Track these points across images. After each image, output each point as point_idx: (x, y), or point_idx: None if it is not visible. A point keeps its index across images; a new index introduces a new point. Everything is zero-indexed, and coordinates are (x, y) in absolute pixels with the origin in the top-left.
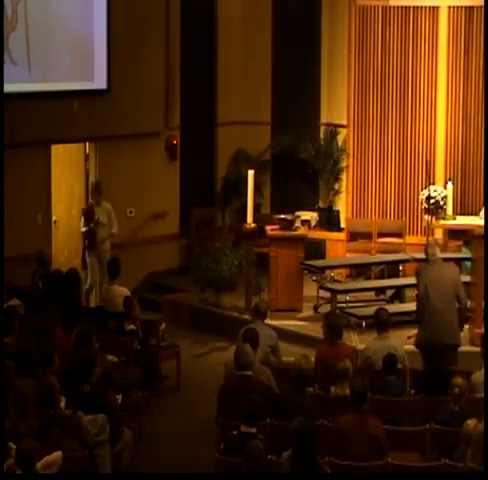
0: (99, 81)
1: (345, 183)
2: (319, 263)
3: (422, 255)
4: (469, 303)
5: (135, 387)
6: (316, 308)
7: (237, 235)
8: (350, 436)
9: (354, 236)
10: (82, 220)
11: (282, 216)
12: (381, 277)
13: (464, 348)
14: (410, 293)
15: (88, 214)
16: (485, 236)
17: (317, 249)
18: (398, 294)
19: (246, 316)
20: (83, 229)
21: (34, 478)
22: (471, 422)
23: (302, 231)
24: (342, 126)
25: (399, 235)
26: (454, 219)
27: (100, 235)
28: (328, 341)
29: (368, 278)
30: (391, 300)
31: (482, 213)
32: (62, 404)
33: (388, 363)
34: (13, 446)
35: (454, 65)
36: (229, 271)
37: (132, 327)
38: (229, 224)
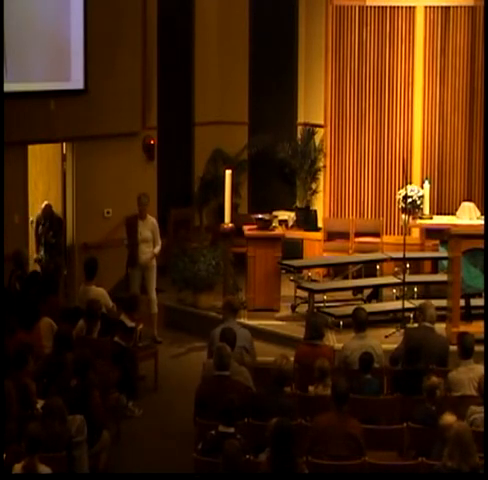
0: (76, 81)
1: (322, 183)
2: (296, 263)
3: (400, 254)
4: (446, 302)
5: (113, 388)
6: (294, 308)
7: (215, 235)
8: (329, 436)
9: (331, 236)
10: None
11: (259, 216)
12: (358, 276)
13: None
14: (387, 292)
15: (130, 228)
16: (485, 236)
17: (294, 249)
18: (375, 293)
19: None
20: (125, 243)
21: (33, 478)
22: (447, 418)
23: (279, 231)
24: (319, 126)
25: (376, 235)
26: (431, 218)
27: (142, 251)
28: (308, 341)
29: (345, 278)
30: (368, 299)
31: (459, 212)
32: (38, 406)
33: (365, 361)
34: None
35: (430, 65)
36: (206, 271)
37: (133, 324)
38: (207, 224)
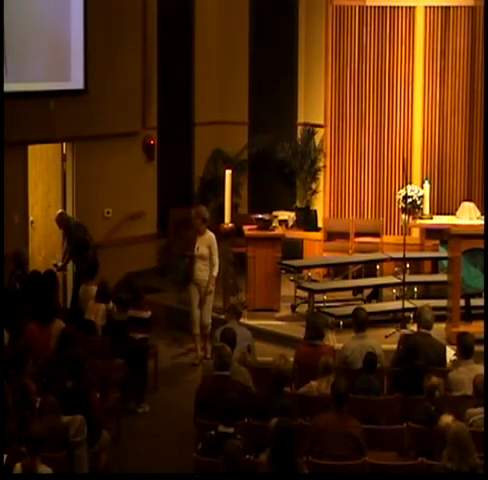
0: (76, 81)
1: (322, 183)
2: (296, 263)
3: (400, 254)
4: (446, 302)
5: (113, 387)
6: (294, 308)
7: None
8: (329, 436)
9: (331, 236)
10: None
11: (259, 216)
12: (358, 276)
13: None
14: (387, 292)
15: (188, 242)
16: (485, 236)
17: (294, 249)
18: (375, 293)
19: (224, 316)
20: (188, 254)
21: (33, 478)
22: (445, 418)
23: (279, 231)
24: (319, 126)
25: (376, 235)
26: (431, 218)
27: (199, 268)
28: (308, 341)
29: (345, 278)
30: (368, 299)
31: (459, 212)
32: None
33: (369, 361)
34: None
35: (431, 65)
36: None
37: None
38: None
